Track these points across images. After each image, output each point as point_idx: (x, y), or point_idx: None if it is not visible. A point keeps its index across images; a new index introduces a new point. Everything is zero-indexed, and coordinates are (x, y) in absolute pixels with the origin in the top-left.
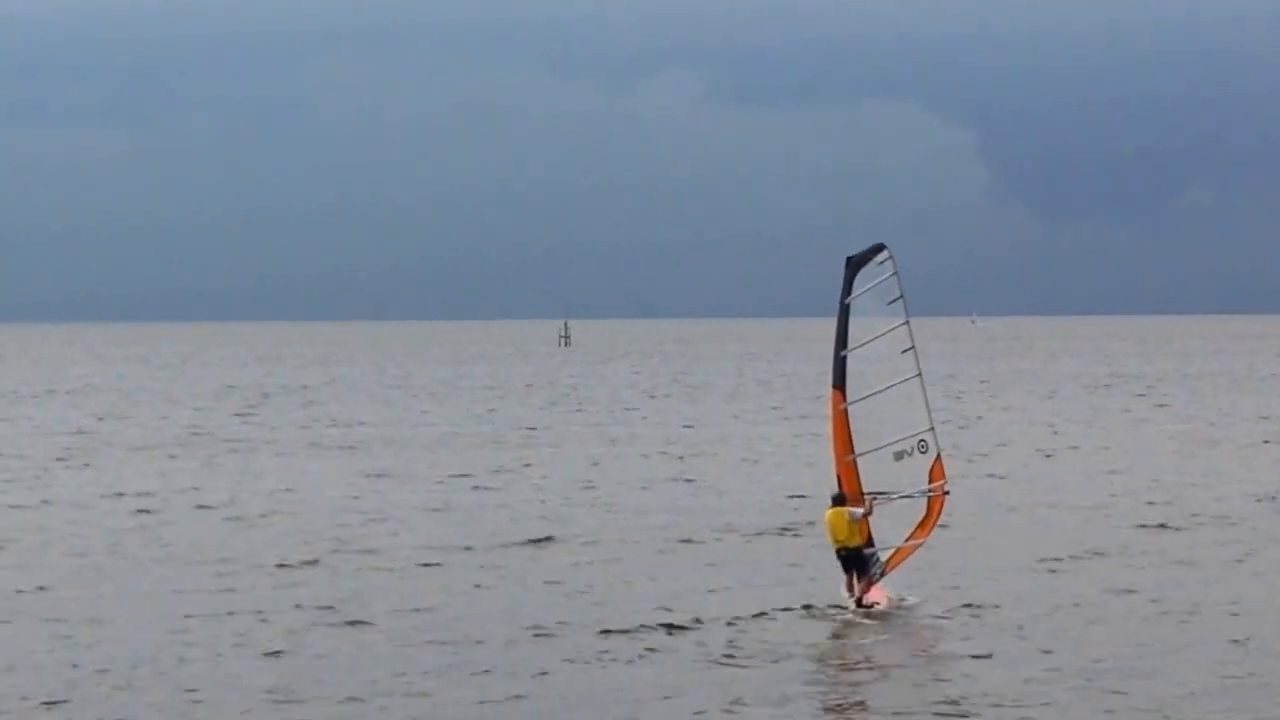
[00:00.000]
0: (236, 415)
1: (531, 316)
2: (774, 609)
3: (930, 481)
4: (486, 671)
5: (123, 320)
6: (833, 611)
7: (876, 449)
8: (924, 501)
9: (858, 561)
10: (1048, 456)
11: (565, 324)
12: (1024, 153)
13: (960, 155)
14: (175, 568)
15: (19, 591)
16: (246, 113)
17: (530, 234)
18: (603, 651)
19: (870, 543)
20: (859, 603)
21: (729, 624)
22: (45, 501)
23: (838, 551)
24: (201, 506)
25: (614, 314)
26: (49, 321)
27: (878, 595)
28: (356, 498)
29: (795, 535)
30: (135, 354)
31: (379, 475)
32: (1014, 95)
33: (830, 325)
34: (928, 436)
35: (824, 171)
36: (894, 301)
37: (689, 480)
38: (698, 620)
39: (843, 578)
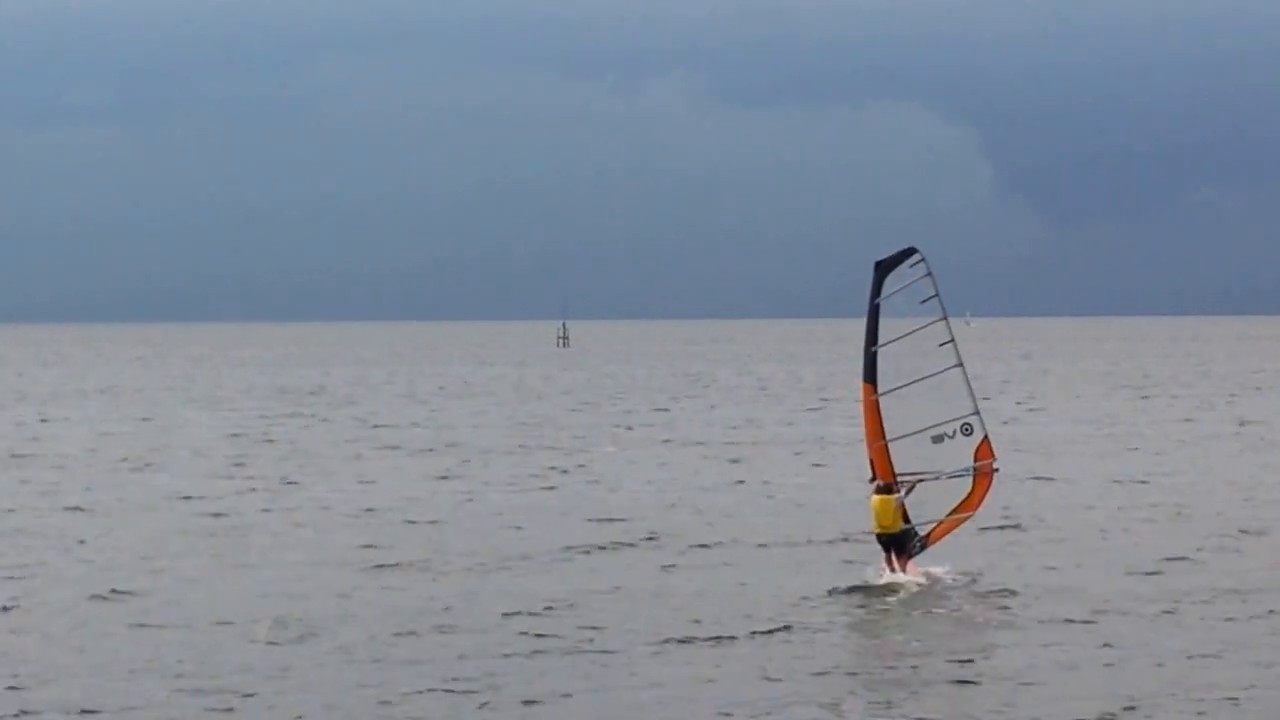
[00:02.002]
0: (286, 416)
1: (524, 318)
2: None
3: (977, 460)
4: (589, 675)
5: (124, 321)
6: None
7: (912, 433)
8: (969, 479)
9: (897, 542)
10: (1099, 457)
11: (564, 325)
12: (1029, 152)
13: (964, 155)
14: (259, 569)
15: (96, 596)
16: (249, 112)
17: (527, 234)
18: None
19: (906, 519)
20: (900, 573)
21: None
22: (116, 501)
23: (879, 536)
24: (267, 510)
25: (612, 315)
26: (50, 322)
27: (914, 571)
28: (420, 499)
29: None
30: (148, 355)
31: (445, 477)
32: (1018, 94)
33: (836, 326)
34: (972, 420)
35: (827, 172)
36: (928, 300)
37: (742, 481)
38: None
39: (882, 555)
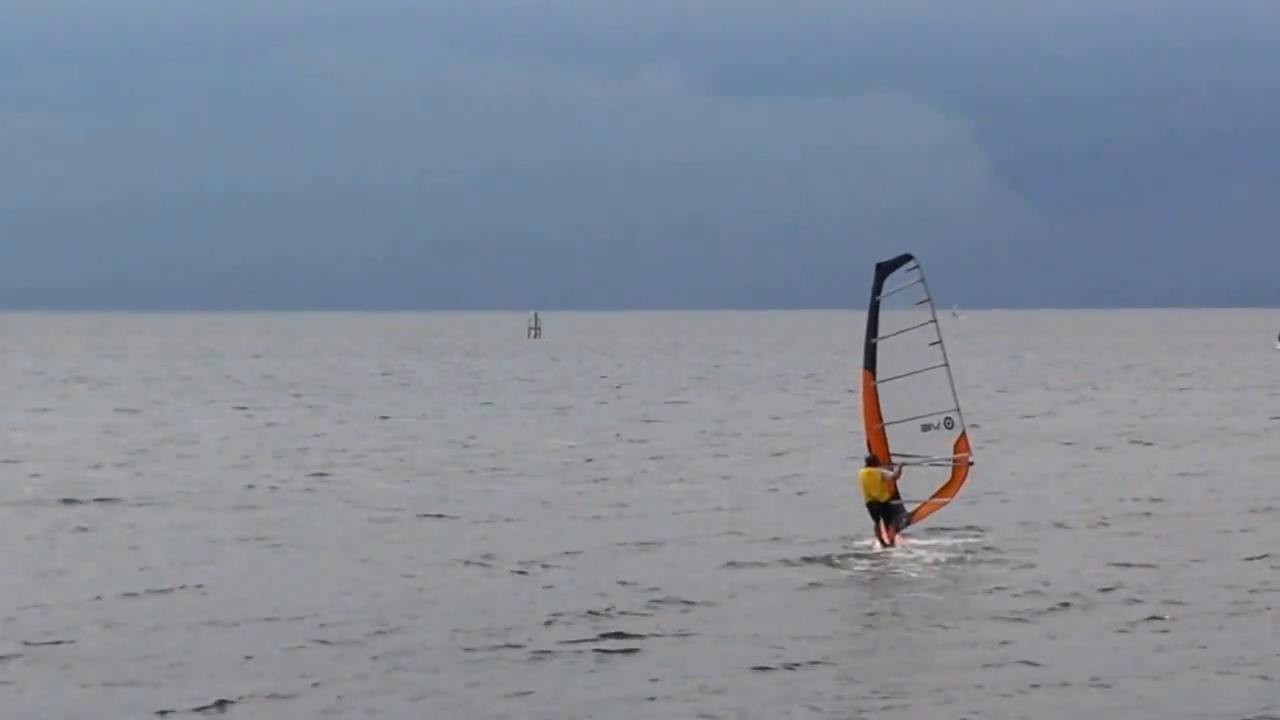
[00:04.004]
0: (287, 408)
1: (498, 307)
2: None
3: (955, 453)
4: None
5: (93, 310)
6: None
7: (904, 420)
8: (949, 469)
9: (885, 512)
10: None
11: (535, 315)
12: (1023, 142)
13: (958, 145)
14: (303, 566)
15: (155, 590)
16: (217, 99)
17: (503, 223)
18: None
19: (897, 496)
20: (887, 544)
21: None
22: (132, 499)
23: (869, 504)
24: (345, 502)
25: (586, 306)
26: (14, 310)
27: (900, 543)
28: (450, 495)
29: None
30: (127, 345)
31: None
32: (1012, 84)
33: (825, 318)
34: (954, 416)
35: (819, 162)
36: (922, 303)
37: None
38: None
39: (871, 524)
